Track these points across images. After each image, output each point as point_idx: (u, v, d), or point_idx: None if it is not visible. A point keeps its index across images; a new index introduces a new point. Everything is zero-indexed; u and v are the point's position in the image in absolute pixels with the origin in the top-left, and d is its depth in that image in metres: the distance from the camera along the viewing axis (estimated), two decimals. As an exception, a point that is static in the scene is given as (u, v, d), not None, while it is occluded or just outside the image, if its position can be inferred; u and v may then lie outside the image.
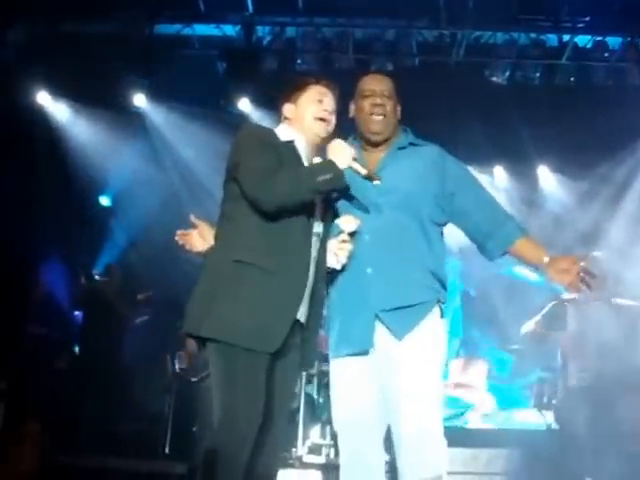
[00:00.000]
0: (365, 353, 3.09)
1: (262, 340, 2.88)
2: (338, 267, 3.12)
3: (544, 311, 5.55)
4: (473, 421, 7.89)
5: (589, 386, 5.04)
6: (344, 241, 3.08)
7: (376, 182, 3.14)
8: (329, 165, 2.99)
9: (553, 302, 5.56)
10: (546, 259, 3.12)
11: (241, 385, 2.86)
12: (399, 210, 3.14)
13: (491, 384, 8.66)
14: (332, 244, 3.12)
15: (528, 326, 5.54)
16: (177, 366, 5.53)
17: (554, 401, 5.33)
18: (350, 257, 3.10)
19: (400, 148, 3.29)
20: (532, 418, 7.00)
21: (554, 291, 5.88)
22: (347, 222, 3.08)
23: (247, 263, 2.93)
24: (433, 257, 3.19)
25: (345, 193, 3.17)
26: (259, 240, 2.98)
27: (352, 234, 3.09)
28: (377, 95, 3.26)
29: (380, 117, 3.24)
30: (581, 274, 3.06)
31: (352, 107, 3.36)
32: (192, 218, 3.37)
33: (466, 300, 9.79)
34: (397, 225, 3.13)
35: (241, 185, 2.98)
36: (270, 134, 3.16)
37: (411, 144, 3.31)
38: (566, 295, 5.48)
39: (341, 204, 3.22)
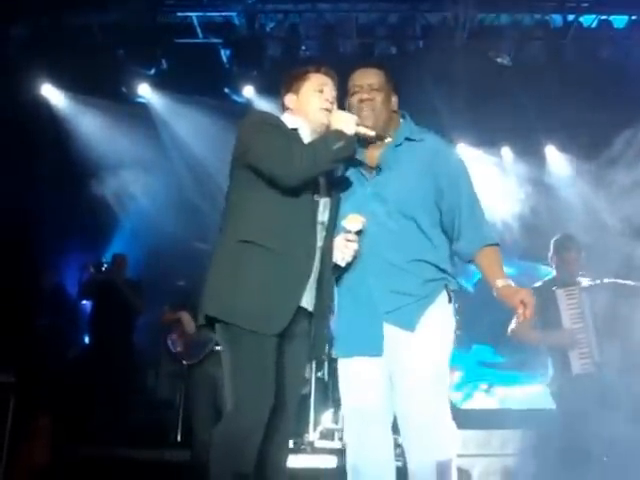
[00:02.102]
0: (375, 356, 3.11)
1: (265, 322, 2.89)
2: (342, 264, 3.13)
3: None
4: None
5: (593, 373, 4.98)
6: (350, 240, 3.08)
7: (388, 140, 3.18)
8: (339, 134, 3.00)
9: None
10: (499, 283, 3.08)
11: (250, 369, 2.87)
12: (395, 218, 3.13)
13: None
14: (338, 241, 3.12)
15: (522, 329, 5.33)
16: (172, 349, 5.55)
17: (555, 389, 5.25)
18: (356, 256, 3.11)
19: (397, 145, 3.25)
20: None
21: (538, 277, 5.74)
22: (352, 221, 3.08)
23: (252, 242, 2.94)
24: (435, 251, 3.17)
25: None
26: (265, 222, 2.99)
27: (358, 233, 3.09)
28: (364, 90, 3.24)
29: (369, 113, 3.21)
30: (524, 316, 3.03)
31: (347, 104, 3.32)
32: None
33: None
34: (394, 232, 3.13)
35: (257, 166, 2.99)
36: (277, 118, 3.18)
37: (407, 139, 3.27)
38: (539, 283, 5.40)
39: (342, 206, 3.23)
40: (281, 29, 8.70)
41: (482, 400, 8.81)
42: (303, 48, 8.67)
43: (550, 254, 5.42)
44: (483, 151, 8.92)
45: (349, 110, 3.26)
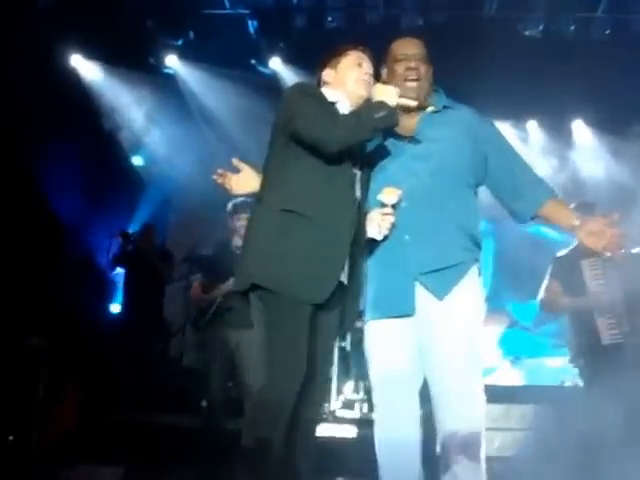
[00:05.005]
0: (406, 316, 3.12)
1: (311, 290, 2.95)
2: (379, 238, 3.15)
3: (548, 275, 5.36)
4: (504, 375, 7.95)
5: (622, 344, 4.98)
6: (386, 213, 3.11)
7: (430, 108, 3.18)
8: (381, 104, 3.04)
9: (552, 264, 5.37)
10: (576, 222, 3.11)
11: (286, 339, 2.92)
12: (435, 176, 3.15)
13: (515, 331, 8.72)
14: (375, 214, 3.16)
15: (543, 294, 5.35)
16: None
17: (582, 361, 5.25)
18: (391, 228, 3.13)
19: (434, 112, 3.26)
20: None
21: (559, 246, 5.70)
22: (389, 194, 3.10)
23: (295, 212, 2.98)
24: (469, 219, 3.21)
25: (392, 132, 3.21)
26: (307, 192, 3.03)
27: (394, 205, 3.11)
28: (410, 59, 3.25)
29: (414, 83, 3.23)
30: (614, 236, 3.03)
31: (384, 71, 3.34)
32: (235, 162, 3.40)
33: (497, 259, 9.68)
34: (433, 191, 3.14)
35: (300, 133, 3.02)
36: (319, 91, 3.24)
37: (445, 107, 3.29)
38: (564, 252, 5.38)
39: (378, 171, 3.25)
40: (307, 0, 8.67)
41: (507, 373, 8.67)
42: (329, 19, 8.61)
43: None
44: (509, 125, 8.87)
45: (389, 78, 3.28)
